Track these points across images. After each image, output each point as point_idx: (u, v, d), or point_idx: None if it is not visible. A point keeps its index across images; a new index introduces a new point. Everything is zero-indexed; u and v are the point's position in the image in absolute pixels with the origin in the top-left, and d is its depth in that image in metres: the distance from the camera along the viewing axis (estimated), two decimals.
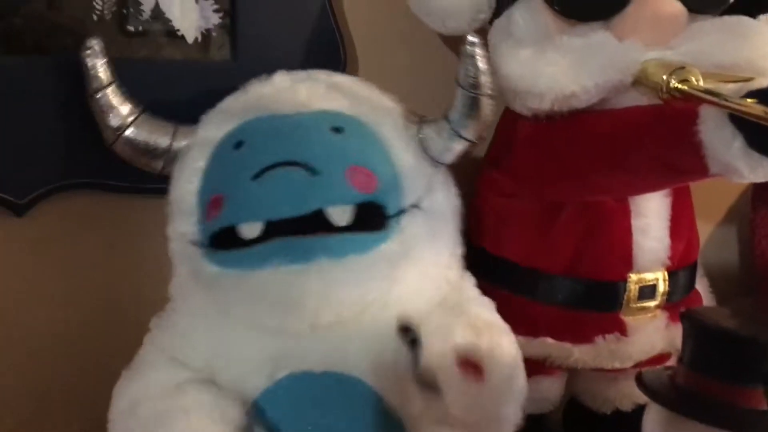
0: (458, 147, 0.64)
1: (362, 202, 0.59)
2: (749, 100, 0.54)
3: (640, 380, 0.52)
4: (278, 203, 0.58)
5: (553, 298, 0.73)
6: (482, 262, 0.73)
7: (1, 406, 0.70)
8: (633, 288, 0.72)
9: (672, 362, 0.81)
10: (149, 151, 0.63)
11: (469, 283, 0.68)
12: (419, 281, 0.63)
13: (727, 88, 0.57)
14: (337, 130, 0.61)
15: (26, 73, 0.65)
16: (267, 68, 0.67)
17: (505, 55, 0.66)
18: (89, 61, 0.61)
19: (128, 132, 0.63)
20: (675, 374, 0.50)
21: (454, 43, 0.83)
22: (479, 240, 0.76)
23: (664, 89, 0.61)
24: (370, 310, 0.60)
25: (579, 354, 0.72)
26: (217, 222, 0.60)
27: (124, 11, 0.68)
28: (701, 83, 0.60)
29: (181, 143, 0.64)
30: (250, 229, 0.58)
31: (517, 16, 0.69)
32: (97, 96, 0.62)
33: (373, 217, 0.60)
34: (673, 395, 0.49)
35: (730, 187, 1.04)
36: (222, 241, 0.60)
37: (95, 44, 0.61)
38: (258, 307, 0.59)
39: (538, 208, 0.72)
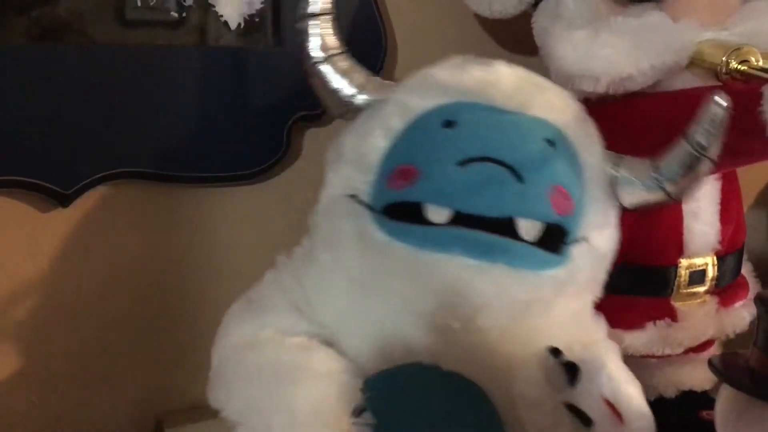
0: (653, 198, 0.60)
1: (553, 223, 0.56)
2: None
3: (712, 365, 0.52)
4: (476, 199, 0.55)
5: (610, 288, 0.72)
6: None
7: (45, 386, 0.70)
8: (683, 273, 0.71)
9: (716, 348, 0.81)
10: (343, 86, 0.60)
11: (602, 326, 0.65)
12: (569, 315, 0.61)
13: None
14: (551, 143, 0.58)
15: (72, 65, 0.64)
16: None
17: (558, 37, 0.66)
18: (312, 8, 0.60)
19: (323, 66, 0.60)
20: (749, 358, 0.50)
21: (494, 29, 0.83)
22: None
23: (724, 70, 0.61)
24: (519, 328, 0.58)
25: (630, 340, 0.71)
26: (403, 194, 0.56)
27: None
28: (762, 63, 0.59)
29: (370, 95, 0.61)
30: (438, 214, 0.55)
31: None
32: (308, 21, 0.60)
33: (557, 240, 0.57)
34: (747, 379, 0.48)
35: (757, 172, 1.03)
36: (399, 212, 0.56)
37: None
38: (419, 289, 0.56)
39: None
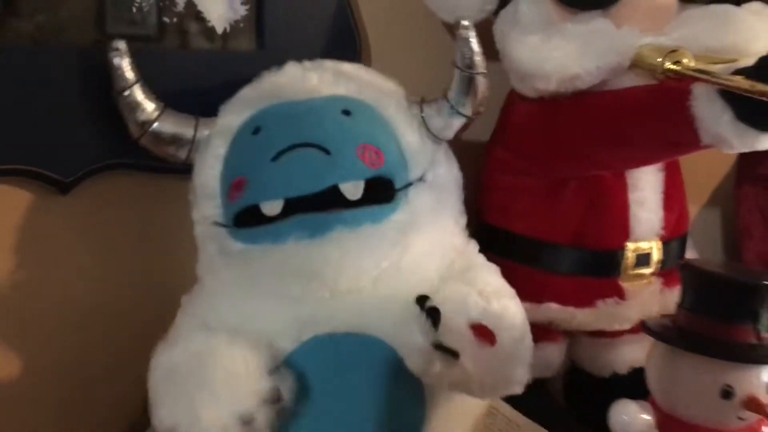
0: (457, 123, 0.70)
1: (372, 177, 0.65)
2: (737, 77, 0.61)
3: (645, 326, 0.59)
4: (296, 182, 0.64)
5: (558, 267, 0.79)
6: (490, 236, 0.79)
7: (44, 375, 0.75)
8: (630, 256, 0.78)
9: None
10: (174, 142, 0.68)
11: (474, 248, 0.72)
12: (428, 247, 0.68)
13: (716, 68, 0.64)
14: (347, 112, 0.67)
15: (73, 62, 0.69)
16: (290, 57, 0.73)
17: (515, 41, 0.73)
18: (116, 61, 0.66)
19: (154, 126, 0.67)
20: (676, 318, 0.57)
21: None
22: (486, 215, 0.82)
23: (659, 70, 0.68)
24: (385, 276, 0.65)
25: (581, 317, 0.78)
26: (241, 202, 0.65)
27: (160, 4, 0.73)
28: (692, 64, 0.67)
29: (203, 133, 0.69)
30: (272, 207, 0.64)
31: (523, 6, 0.75)
32: (125, 94, 0.66)
33: (382, 191, 0.66)
34: (675, 335, 0.55)
35: (715, 170, 1.11)
36: (245, 219, 0.65)
37: (120, 45, 0.65)
38: (282, 278, 0.64)
39: (544, 185, 0.78)
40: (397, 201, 0.66)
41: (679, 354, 0.55)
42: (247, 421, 0.59)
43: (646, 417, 0.55)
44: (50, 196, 0.72)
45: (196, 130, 0.69)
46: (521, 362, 0.63)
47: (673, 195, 0.80)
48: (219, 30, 0.76)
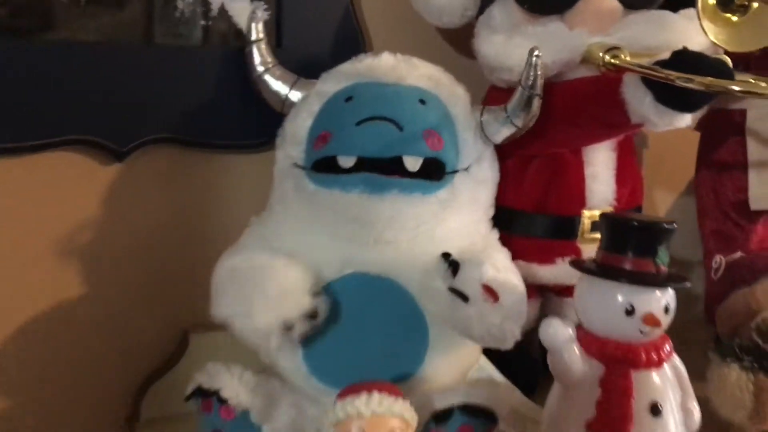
0: (508, 131, 0.84)
1: (430, 157, 0.79)
2: (655, 67, 0.75)
3: (571, 263, 0.73)
4: (370, 145, 0.78)
5: (526, 231, 0.93)
6: None
7: (106, 306, 0.92)
8: (586, 222, 0.92)
9: None
10: (274, 94, 0.86)
11: (494, 236, 0.87)
12: (459, 225, 0.83)
13: (643, 61, 0.79)
14: (423, 102, 0.81)
15: (132, 59, 0.87)
16: (304, 53, 0.90)
17: (484, 39, 0.88)
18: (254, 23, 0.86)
19: (264, 76, 0.87)
20: (596, 257, 0.71)
21: (453, 38, 1.05)
22: None
23: (601, 63, 0.83)
24: (420, 237, 0.80)
25: (543, 273, 0.92)
26: (323, 152, 0.79)
27: (200, 11, 0.90)
28: (627, 58, 0.81)
29: (296, 94, 0.85)
30: (346, 161, 0.78)
31: (495, 11, 0.91)
32: (251, 46, 0.87)
33: (435, 170, 0.79)
34: (593, 267, 0.70)
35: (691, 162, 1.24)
36: (322, 166, 0.79)
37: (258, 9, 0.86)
38: (340, 220, 0.79)
39: (513, 162, 0.93)
40: (445, 182, 0.80)
41: (596, 282, 0.69)
42: (287, 327, 0.75)
43: (569, 331, 0.69)
44: (108, 162, 0.89)
45: (291, 88, 0.86)
46: (515, 321, 0.76)
47: (624, 172, 0.94)
48: (246, 32, 0.93)
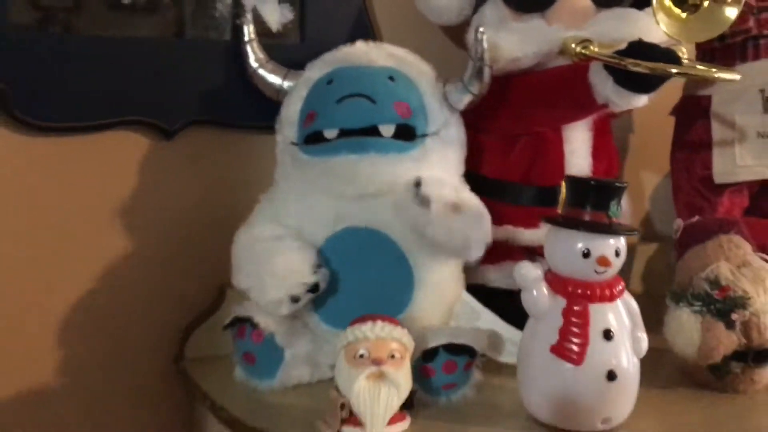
0: (467, 99, 1.00)
1: (401, 124, 0.95)
2: (614, 55, 0.90)
3: (543, 218, 0.88)
4: (350, 118, 0.94)
5: (514, 200, 1.08)
6: (468, 179, 1.08)
7: (155, 267, 1.08)
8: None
9: None
10: (269, 85, 1.02)
11: (465, 187, 1.01)
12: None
13: (607, 51, 0.94)
14: (391, 78, 0.98)
15: (185, 52, 1.04)
16: (323, 47, 1.05)
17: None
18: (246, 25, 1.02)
19: (259, 70, 1.02)
20: (561, 212, 0.86)
21: (452, 33, 1.20)
22: (470, 166, 1.12)
23: (574, 53, 0.98)
24: (398, 190, 0.94)
25: (528, 235, 1.07)
26: (311, 128, 0.96)
27: (234, 12, 1.06)
28: (596, 49, 0.96)
29: (290, 81, 1.01)
30: (330, 133, 0.95)
31: (486, 10, 1.06)
32: (245, 45, 1.03)
33: (407, 134, 0.96)
34: (558, 220, 0.85)
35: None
36: (312, 139, 0.96)
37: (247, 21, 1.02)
38: (330, 179, 0.95)
39: (502, 139, 1.08)
40: (416, 143, 0.97)
41: (560, 231, 0.84)
42: (295, 300, 0.92)
43: (538, 271, 0.84)
44: (158, 140, 1.06)
45: (283, 79, 1.02)
46: (476, 230, 0.92)
47: (600, 150, 1.08)
48: (274, 29, 1.09)
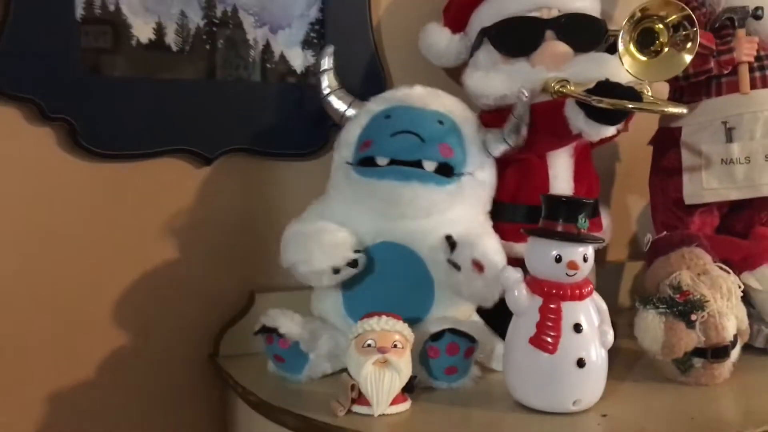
0: (503, 148, 1.15)
1: (442, 162, 1.10)
2: (585, 93, 1.07)
3: (523, 229, 1.03)
4: (400, 150, 1.09)
5: (507, 217, 1.23)
6: None
7: (195, 274, 1.25)
8: None
9: None
10: (336, 110, 1.18)
11: (489, 224, 1.17)
12: (462, 213, 1.14)
13: (580, 89, 1.10)
14: (441, 122, 1.13)
15: (219, 91, 1.22)
16: (343, 85, 1.23)
17: (468, 75, 1.21)
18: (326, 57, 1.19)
19: (330, 96, 1.19)
20: (539, 225, 1.01)
21: (452, 73, 1.37)
22: None
23: (553, 92, 1.14)
24: (433, 218, 1.11)
25: (518, 249, 1.20)
26: (366, 153, 1.11)
27: (264, 57, 1.25)
28: (572, 88, 1.12)
29: (351, 111, 1.17)
30: (382, 161, 1.10)
31: (480, 54, 1.23)
32: (321, 73, 1.19)
33: (447, 171, 1.11)
34: (537, 231, 1.00)
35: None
36: (365, 163, 1.11)
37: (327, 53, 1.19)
38: (375, 200, 1.11)
39: (497, 166, 1.23)
40: (453, 180, 1.12)
41: (538, 240, 0.99)
42: (335, 271, 1.08)
43: (518, 275, 0.99)
44: (199, 166, 1.24)
45: (348, 106, 1.18)
46: (495, 287, 1.06)
47: (581, 174, 1.23)
48: (298, 71, 1.27)
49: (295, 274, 1.11)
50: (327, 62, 1.19)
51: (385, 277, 1.12)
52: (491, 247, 1.11)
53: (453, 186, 1.12)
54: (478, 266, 1.06)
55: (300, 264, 1.09)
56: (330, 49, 1.19)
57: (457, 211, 1.13)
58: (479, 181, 1.15)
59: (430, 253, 1.10)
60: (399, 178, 1.09)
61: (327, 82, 1.19)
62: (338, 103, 1.19)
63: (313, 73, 1.27)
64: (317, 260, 1.07)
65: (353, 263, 1.09)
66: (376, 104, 1.17)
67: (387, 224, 1.11)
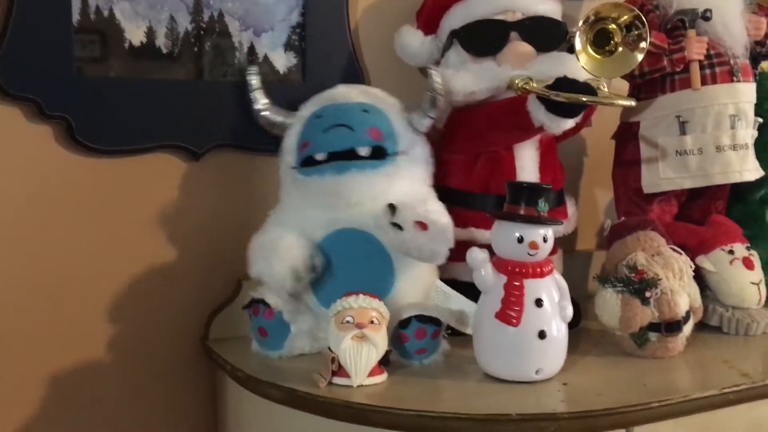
0: (427, 122, 1.25)
1: (375, 146, 1.20)
2: (544, 89, 1.16)
3: (490, 213, 1.12)
4: (334, 143, 1.19)
5: (477, 206, 1.32)
6: (441, 192, 1.33)
7: (185, 264, 1.33)
8: None
9: None
10: (274, 123, 1.27)
11: (431, 194, 1.26)
12: (404, 189, 1.22)
13: (541, 85, 1.19)
14: (366, 111, 1.23)
15: (209, 90, 1.31)
16: (321, 86, 1.31)
17: (441, 74, 1.30)
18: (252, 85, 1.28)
19: (265, 114, 1.28)
20: (504, 208, 1.10)
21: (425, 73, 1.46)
22: (441, 180, 1.37)
23: (517, 88, 1.23)
24: (377, 199, 1.18)
25: (487, 235, 1.28)
26: (305, 153, 1.20)
27: (250, 59, 1.33)
28: (534, 84, 1.22)
29: (289, 119, 1.27)
30: (320, 156, 1.19)
31: (450, 55, 1.32)
32: (253, 92, 1.28)
33: (380, 154, 1.20)
34: (501, 215, 1.09)
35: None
36: (306, 163, 1.20)
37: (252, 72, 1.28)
38: (321, 195, 1.20)
39: (466, 159, 1.33)
40: (388, 161, 1.20)
41: (502, 223, 1.08)
42: (297, 278, 1.16)
43: (484, 255, 1.08)
44: (188, 161, 1.31)
45: (284, 118, 1.27)
46: (440, 243, 1.16)
47: (546, 165, 1.32)
48: (281, 72, 1.36)
49: (263, 284, 1.18)
50: (256, 81, 1.28)
51: (347, 261, 1.20)
52: (432, 208, 1.19)
53: (389, 167, 1.20)
54: (421, 225, 1.14)
55: (264, 275, 1.17)
56: (254, 68, 1.29)
57: (398, 189, 1.20)
58: (414, 157, 1.24)
59: (377, 223, 1.18)
60: (338, 171, 1.17)
61: (259, 101, 1.28)
62: (273, 117, 1.28)
63: (294, 72, 1.36)
64: (276, 266, 1.15)
65: (313, 268, 1.17)
66: (307, 109, 1.26)
67: (337, 215, 1.20)
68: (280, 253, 1.16)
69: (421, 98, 1.27)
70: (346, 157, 1.18)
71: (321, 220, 1.21)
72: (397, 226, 1.15)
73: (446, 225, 1.19)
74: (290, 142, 1.25)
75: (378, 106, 1.25)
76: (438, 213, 1.20)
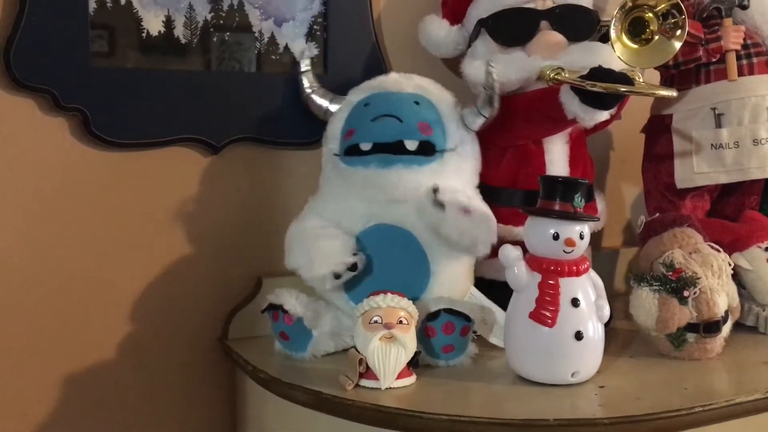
0: (480, 121, 1.19)
1: (423, 140, 1.14)
2: (580, 79, 1.11)
3: (522, 209, 1.08)
4: (381, 134, 1.13)
5: (506, 202, 1.27)
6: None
7: (205, 261, 1.29)
8: None
9: None
10: (320, 107, 1.23)
11: (478, 197, 1.20)
12: (450, 186, 1.14)
13: (575, 76, 1.14)
14: (417, 103, 1.17)
15: (235, 82, 1.26)
16: (343, 77, 1.27)
17: (467, 64, 1.25)
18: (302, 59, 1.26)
19: (312, 95, 1.24)
20: (537, 203, 1.06)
21: (450, 64, 1.41)
22: None
23: (548, 79, 1.18)
24: (420, 196, 1.12)
25: (518, 232, 1.25)
26: (350, 141, 1.16)
27: (270, 49, 1.29)
28: (567, 75, 1.17)
29: (335, 104, 1.22)
30: (365, 146, 1.14)
31: (478, 45, 1.28)
32: (302, 75, 1.26)
33: (428, 149, 1.15)
34: (535, 211, 1.05)
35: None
36: (350, 151, 1.15)
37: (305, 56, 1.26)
38: (363, 186, 1.15)
39: (494, 153, 1.28)
40: (436, 157, 1.15)
41: (536, 219, 1.04)
42: (337, 277, 1.11)
43: (518, 252, 1.04)
44: (206, 154, 1.27)
45: (330, 102, 1.23)
46: (483, 231, 1.11)
47: (576, 159, 1.28)
48: (302, 66, 1.31)
49: (300, 276, 1.15)
50: (305, 64, 1.25)
51: (382, 258, 1.15)
52: (477, 200, 1.16)
53: (435, 164, 1.15)
54: (464, 210, 1.10)
55: (302, 269, 1.14)
56: (306, 52, 1.26)
57: (443, 185, 1.14)
58: (462, 155, 1.19)
59: (421, 229, 1.14)
60: (383, 164, 1.13)
61: (308, 83, 1.25)
62: (320, 100, 1.24)
63: (315, 64, 1.31)
64: (317, 267, 1.11)
65: (353, 267, 1.12)
66: (355, 95, 1.22)
67: (378, 209, 1.15)
68: (322, 254, 1.12)
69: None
70: (392, 149, 1.13)
71: (360, 212, 1.16)
72: (440, 206, 1.09)
73: (489, 215, 1.14)
74: (335, 127, 1.21)
75: (430, 99, 1.20)
76: (482, 206, 1.16)
